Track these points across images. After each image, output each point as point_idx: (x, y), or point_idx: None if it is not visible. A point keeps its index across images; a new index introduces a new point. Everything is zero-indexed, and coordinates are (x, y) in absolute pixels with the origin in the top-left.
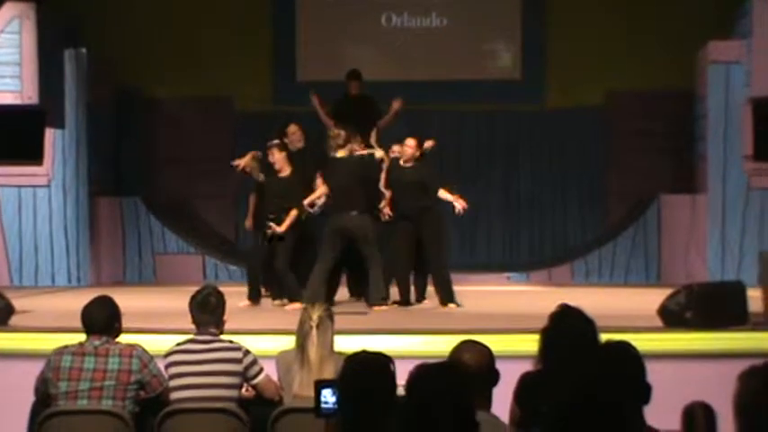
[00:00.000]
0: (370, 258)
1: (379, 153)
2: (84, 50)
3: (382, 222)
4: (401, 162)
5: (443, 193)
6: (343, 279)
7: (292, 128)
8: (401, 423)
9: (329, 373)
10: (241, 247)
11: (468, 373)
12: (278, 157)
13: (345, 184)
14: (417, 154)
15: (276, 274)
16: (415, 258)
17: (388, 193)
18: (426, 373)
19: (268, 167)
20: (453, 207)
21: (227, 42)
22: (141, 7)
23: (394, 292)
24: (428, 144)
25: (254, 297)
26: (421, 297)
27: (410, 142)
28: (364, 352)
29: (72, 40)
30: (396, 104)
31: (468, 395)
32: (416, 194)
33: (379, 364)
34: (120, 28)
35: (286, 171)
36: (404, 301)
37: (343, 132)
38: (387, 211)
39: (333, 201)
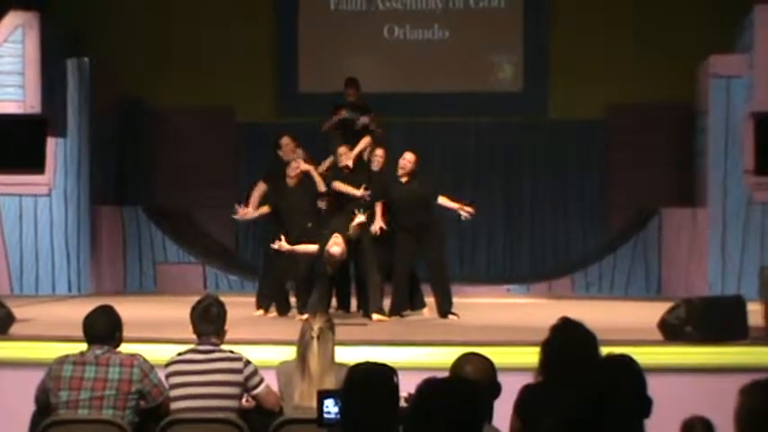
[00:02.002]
0: (365, 269)
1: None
2: (86, 60)
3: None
4: (400, 178)
5: (444, 201)
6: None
7: (285, 139)
8: None
9: (330, 384)
10: (242, 257)
11: (476, 387)
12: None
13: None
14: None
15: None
16: (413, 271)
17: (379, 208)
18: (436, 387)
19: (279, 183)
20: (458, 216)
21: (229, 53)
22: (145, 17)
23: (386, 304)
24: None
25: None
26: (420, 305)
27: (409, 156)
28: (368, 363)
29: (75, 50)
30: (363, 121)
31: (477, 412)
32: (418, 210)
33: (382, 376)
34: (123, 38)
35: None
36: (400, 310)
37: (348, 152)
38: (377, 228)
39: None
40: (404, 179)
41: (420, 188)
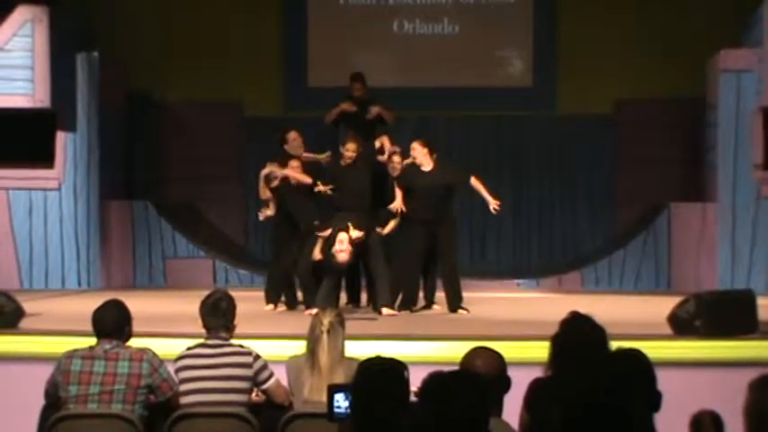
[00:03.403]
0: (375, 264)
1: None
2: (96, 54)
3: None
4: (422, 167)
5: (476, 183)
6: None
7: (292, 134)
8: (414, 430)
9: (339, 378)
10: (251, 252)
11: (482, 381)
12: (295, 166)
13: (355, 189)
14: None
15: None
16: (424, 264)
17: (399, 197)
18: (442, 381)
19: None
20: (486, 203)
21: (237, 47)
22: (153, 11)
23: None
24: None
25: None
26: (430, 302)
27: (413, 145)
28: (378, 357)
29: (84, 44)
30: (374, 110)
31: (483, 406)
32: (439, 199)
33: (393, 370)
34: (131, 32)
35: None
36: (410, 304)
37: (354, 145)
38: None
39: (342, 205)
40: (424, 168)
41: (443, 176)
